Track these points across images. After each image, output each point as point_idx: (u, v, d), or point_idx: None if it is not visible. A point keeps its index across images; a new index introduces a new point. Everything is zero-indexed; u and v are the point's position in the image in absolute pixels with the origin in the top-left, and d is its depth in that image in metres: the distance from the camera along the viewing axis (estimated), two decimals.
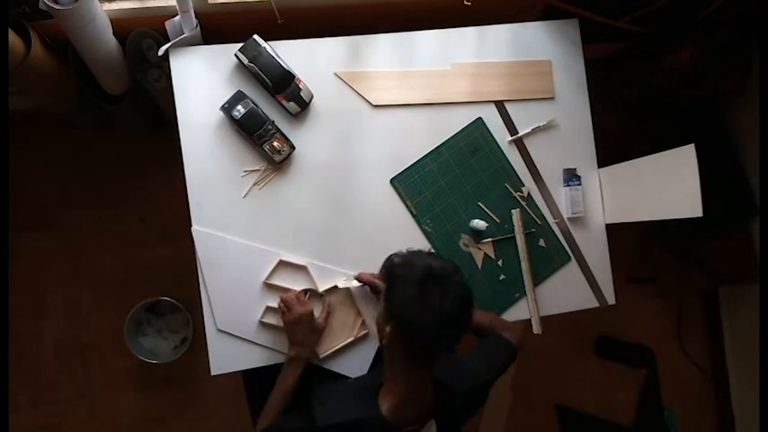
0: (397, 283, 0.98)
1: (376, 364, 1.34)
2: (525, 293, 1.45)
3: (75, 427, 2.01)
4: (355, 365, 1.34)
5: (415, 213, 1.41)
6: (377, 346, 1.35)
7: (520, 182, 1.47)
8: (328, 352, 1.32)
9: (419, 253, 1.03)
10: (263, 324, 1.32)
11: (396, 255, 1.04)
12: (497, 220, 1.45)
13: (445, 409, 1.04)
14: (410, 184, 1.42)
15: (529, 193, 1.47)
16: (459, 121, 1.45)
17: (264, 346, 1.32)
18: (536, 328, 1.44)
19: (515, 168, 1.47)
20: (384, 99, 1.40)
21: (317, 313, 1.30)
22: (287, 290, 1.32)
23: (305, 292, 1.33)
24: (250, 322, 1.31)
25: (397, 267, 1.00)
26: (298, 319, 1.24)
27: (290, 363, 1.24)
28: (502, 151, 1.46)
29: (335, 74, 1.39)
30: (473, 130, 1.45)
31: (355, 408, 1.02)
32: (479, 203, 1.45)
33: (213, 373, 1.30)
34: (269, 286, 1.33)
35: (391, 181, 1.41)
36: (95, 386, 2.02)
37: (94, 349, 2.01)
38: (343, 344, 1.33)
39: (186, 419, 2.05)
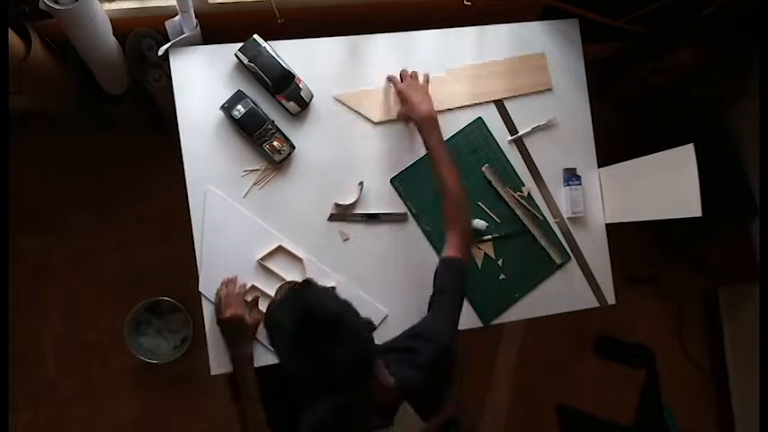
0: (273, 337, 0.95)
1: None
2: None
3: (75, 427, 2.00)
4: None
5: (414, 213, 1.41)
6: None
7: (520, 181, 1.47)
8: None
9: (297, 299, 0.94)
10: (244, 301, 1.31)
11: (277, 302, 0.98)
12: (497, 220, 1.45)
13: (411, 390, 1.01)
14: (410, 184, 1.41)
15: (529, 193, 1.47)
16: (459, 121, 1.45)
17: (262, 347, 1.32)
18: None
19: (515, 168, 1.47)
20: (386, 116, 1.40)
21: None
22: (277, 275, 1.33)
23: (293, 282, 1.31)
24: None
25: (272, 321, 0.95)
26: (227, 320, 1.24)
27: (235, 364, 1.25)
28: (502, 151, 1.46)
29: (335, 98, 1.38)
30: (473, 130, 1.45)
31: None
32: (479, 203, 1.45)
33: (213, 372, 1.30)
34: (262, 267, 1.33)
35: (391, 181, 1.41)
36: (95, 386, 2.01)
37: (94, 349, 2.01)
38: None
39: (186, 419, 2.05)
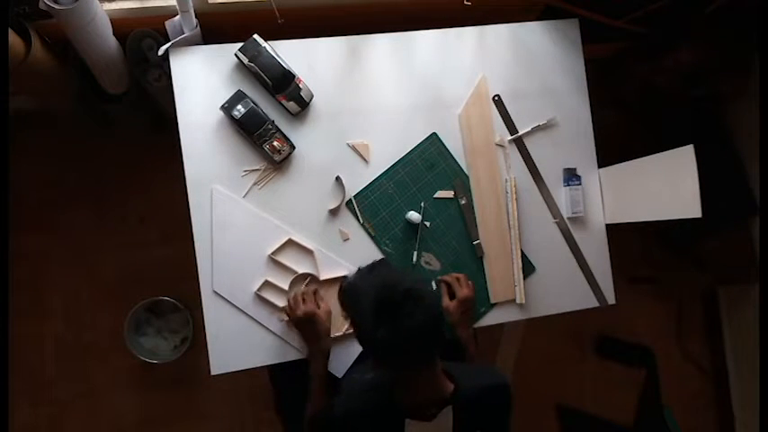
0: (355, 310, 1.00)
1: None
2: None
3: (76, 427, 2.01)
4: (336, 361, 1.34)
5: (373, 235, 1.39)
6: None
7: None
8: None
9: (375, 274, 1.02)
10: (258, 297, 1.33)
11: (352, 277, 1.05)
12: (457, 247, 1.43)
13: (462, 398, 1.05)
14: (367, 204, 1.39)
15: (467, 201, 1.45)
16: (414, 137, 1.42)
17: (262, 347, 1.33)
18: (519, 298, 1.44)
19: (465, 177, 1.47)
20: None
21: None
22: (290, 269, 1.34)
23: (304, 277, 1.34)
24: (246, 291, 1.33)
25: (352, 293, 1.01)
26: (301, 318, 1.27)
27: (310, 358, 1.29)
28: (458, 165, 1.45)
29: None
30: (428, 146, 1.43)
31: (369, 398, 1.07)
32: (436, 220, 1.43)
33: (213, 372, 1.30)
34: (273, 261, 1.34)
35: (347, 203, 1.38)
36: (95, 386, 2.02)
37: (94, 349, 2.01)
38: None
39: (186, 419, 2.05)
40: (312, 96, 1.36)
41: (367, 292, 0.96)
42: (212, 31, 1.41)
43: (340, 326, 1.35)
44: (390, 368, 1.01)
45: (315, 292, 1.33)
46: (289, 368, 1.36)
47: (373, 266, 1.05)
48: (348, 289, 1.03)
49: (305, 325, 1.28)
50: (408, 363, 0.97)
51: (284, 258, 1.34)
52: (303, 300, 1.29)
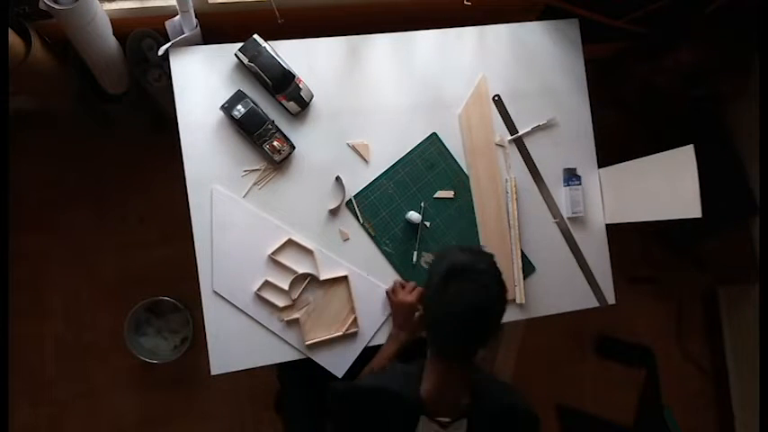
0: (429, 275, 1.06)
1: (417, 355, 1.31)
2: None
3: (76, 427, 2.01)
4: (337, 361, 1.35)
5: (373, 235, 1.39)
6: (362, 348, 1.37)
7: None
8: (314, 341, 1.33)
9: (456, 248, 1.08)
10: (258, 297, 1.33)
11: (455, 247, 1.10)
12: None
13: (479, 412, 1.04)
14: (367, 204, 1.39)
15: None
16: (414, 137, 1.42)
17: (262, 347, 1.33)
18: (518, 298, 1.44)
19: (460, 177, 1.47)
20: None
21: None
22: (290, 269, 1.34)
23: (304, 277, 1.34)
24: (246, 291, 1.33)
25: (432, 260, 1.08)
26: (400, 304, 1.32)
27: (390, 339, 1.33)
28: (458, 165, 1.45)
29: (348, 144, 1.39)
30: (428, 146, 1.43)
31: (397, 381, 1.08)
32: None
33: (213, 372, 1.30)
34: (273, 261, 1.34)
35: (347, 203, 1.38)
36: (95, 386, 2.02)
37: (94, 349, 2.01)
38: (330, 336, 1.34)
39: (186, 419, 2.05)
40: (312, 96, 1.36)
41: (454, 255, 1.03)
42: (212, 31, 1.41)
43: (340, 325, 1.36)
44: (434, 341, 1.05)
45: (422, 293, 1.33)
46: (297, 368, 1.36)
47: (474, 250, 1.08)
48: (439, 252, 1.10)
49: (403, 311, 1.32)
50: (447, 340, 1.01)
51: (284, 258, 1.34)
52: (417, 293, 1.32)
